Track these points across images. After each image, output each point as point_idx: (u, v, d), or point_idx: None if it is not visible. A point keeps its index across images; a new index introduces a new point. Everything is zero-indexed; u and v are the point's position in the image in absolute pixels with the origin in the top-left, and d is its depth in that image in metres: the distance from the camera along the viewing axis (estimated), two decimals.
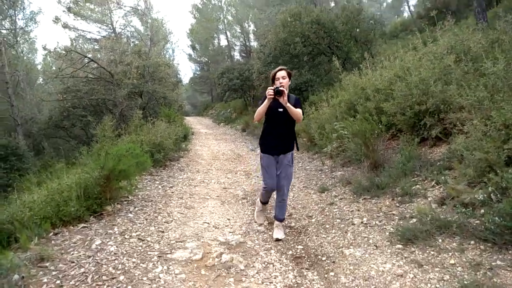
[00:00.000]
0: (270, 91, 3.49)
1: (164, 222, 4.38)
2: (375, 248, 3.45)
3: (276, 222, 4.11)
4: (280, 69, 3.80)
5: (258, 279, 3.10)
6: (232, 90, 19.31)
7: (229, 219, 4.57)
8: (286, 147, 3.89)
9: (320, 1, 15.78)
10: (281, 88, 3.49)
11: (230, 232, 4.14)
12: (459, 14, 14.27)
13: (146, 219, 4.42)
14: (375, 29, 12.18)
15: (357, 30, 11.56)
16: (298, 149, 4.09)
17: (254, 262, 3.41)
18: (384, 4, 25.33)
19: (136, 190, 5.64)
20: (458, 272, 2.75)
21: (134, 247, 3.55)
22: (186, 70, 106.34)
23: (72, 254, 3.28)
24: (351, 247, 3.58)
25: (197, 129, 17.14)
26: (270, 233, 4.10)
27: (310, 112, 9.10)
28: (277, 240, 3.90)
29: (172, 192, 5.83)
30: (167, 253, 3.47)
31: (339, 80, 9.38)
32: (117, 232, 3.88)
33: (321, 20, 11.02)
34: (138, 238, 3.78)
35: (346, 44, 11.01)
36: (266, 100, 3.55)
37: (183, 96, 29.79)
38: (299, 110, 3.71)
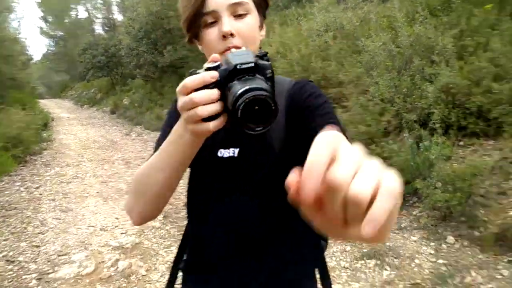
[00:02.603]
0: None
1: (38, 233, 3.67)
2: None
3: None
4: None
5: (164, 282, 2.80)
6: (96, 68, 17.42)
7: (117, 218, 4.06)
8: None
9: None
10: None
11: (122, 233, 3.68)
12: None
13: (12, 233, 3.65)
14: None
15: None
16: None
17: (156, 264, 3.09)
18: None
19: None
20: None
21: (3, 273, 2.86)
22: (37, 45, 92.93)
23: None
24: None
25: (57, 114, 15.11)
26: (167, 227, 3.77)
27: None
28: None
29: (40, 194, 4.97)
30: (49, 273, 2.89)
31: None
32: None
33: None
34: (6, 260, 3.06)
35: None
36: (184, 130, 0.60)
37: (35, 76, 25.85)
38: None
